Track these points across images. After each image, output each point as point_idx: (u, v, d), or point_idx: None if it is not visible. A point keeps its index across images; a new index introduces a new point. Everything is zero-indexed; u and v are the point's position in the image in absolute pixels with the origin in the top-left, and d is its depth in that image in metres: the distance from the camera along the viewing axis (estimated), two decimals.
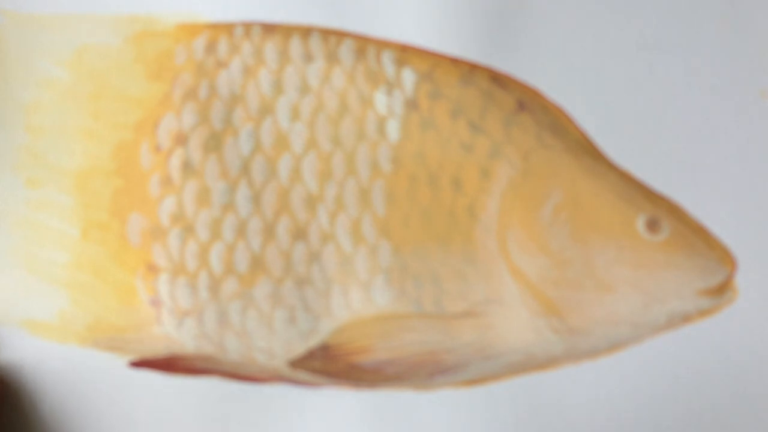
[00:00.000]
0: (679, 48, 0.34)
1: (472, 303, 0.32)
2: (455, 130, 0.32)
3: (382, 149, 0.32)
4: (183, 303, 0.32)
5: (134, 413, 0.33)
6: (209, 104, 0.32)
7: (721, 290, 0.32)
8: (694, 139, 0.33)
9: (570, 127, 0.33)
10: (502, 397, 0.33)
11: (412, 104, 0.32)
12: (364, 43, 0.33)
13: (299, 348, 0.32)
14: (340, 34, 0.33)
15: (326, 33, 0.33)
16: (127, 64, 0.33)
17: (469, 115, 0.32)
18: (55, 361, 0.33)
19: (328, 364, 0.32)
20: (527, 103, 0.33)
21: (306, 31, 0.33)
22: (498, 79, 0.33)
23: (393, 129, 0.32)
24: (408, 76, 0.33)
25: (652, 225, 0.32)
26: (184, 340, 0.32)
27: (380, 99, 0.32)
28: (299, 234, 0.32)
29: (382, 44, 0.33)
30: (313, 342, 0.32)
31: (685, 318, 0.32)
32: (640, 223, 0.32)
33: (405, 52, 0.33)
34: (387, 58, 0.33)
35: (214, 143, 0.32)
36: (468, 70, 0.33)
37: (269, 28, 0.33)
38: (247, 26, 0.33)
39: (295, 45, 0.33)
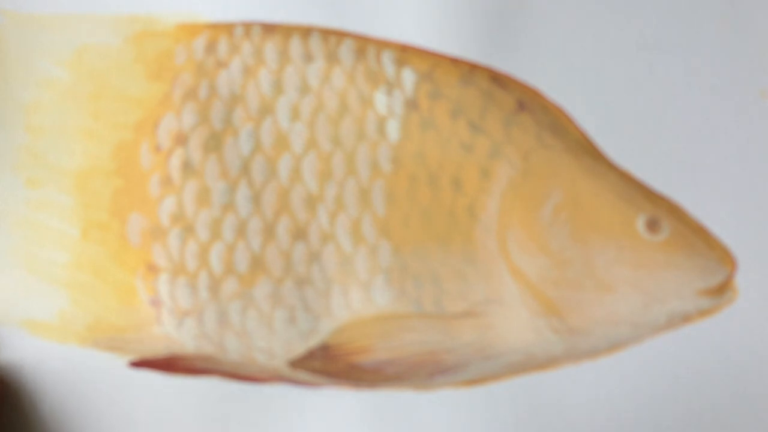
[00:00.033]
0: (679, 48, 0.34)
1: (472, 303, 0.32)
2: (455, 130, 0.32)
3: (382, 149, 0.32)
4: (183, 303, 0.32)
5: (134, 413, 0.33)
6: (209, 104, 0.32)
7: (721, 290, 0.32)
8: (694, 139, 0.33)
9: (570, 127, 0.33)
10: (502, 397, 0.33)
11: (412, 104, 0.32)
12: (364, 43, 0.33)
13: (299, 348, 0.32)
14: (340, 34, 0.33)
15: (326, 33, 0.33)
16: (127, 64, 0.33)
17: (469, 115, 0.32)
18: (55, 361, 0.33)
19: (328, 364, 0.32)
20: (527, 103, 0.33)
21: (306, 31, 0.33)
22: (498, 79, 0.33)
23: (393, 129, 0.32)
24: (408, 76, 0.33)
25: (652, 225, 0.32)
26: (184, 340, 0.32)
27: (380, 99, 0.32)
28: (299, 234, 0.32)
29: (382, 44, 0.33)
30: (313, 342, 0.32)
31: (685, 318, 0.32)
32: (640, 223, 0.32)
33: (405, 52, 0.33)
34: (387, 58, 0.33)
35: (214, 143, 0.32)
36: (468, 70, 0.33)
37: (269, 28, 0.33)
38: (247, 26, 0.33)
39: (295, 45, 0.33)
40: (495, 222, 0.32)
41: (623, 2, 0.34)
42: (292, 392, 0.33)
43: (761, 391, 0.33)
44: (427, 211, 0.32)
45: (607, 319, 0.32)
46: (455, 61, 0.33)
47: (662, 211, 0.32)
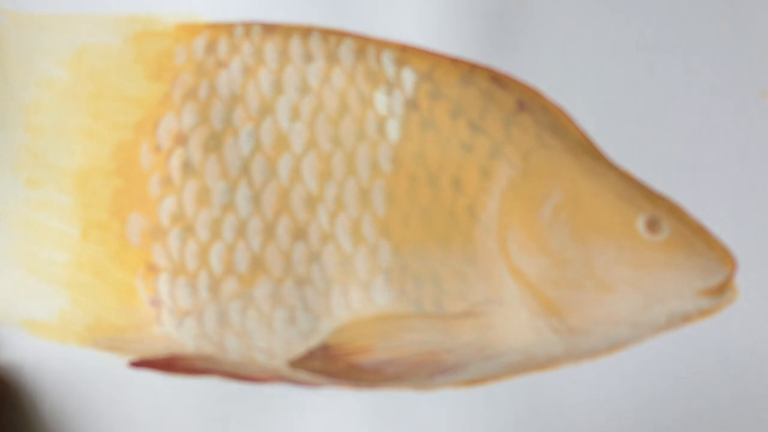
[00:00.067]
0: (679, 48, 0.34)
1: (472, 303, 0.32)
2: (455, 130, 0.32)
3: (382, 149, 0.32)
4: (183, 303, 0.32)
5: (134, 413, 0.33)
6: (209, 104, 0.32)
7: (721, 290, 0.32)
8: (694, 139, 0.33)
9: (570, 127, 0.33)
10: (502, 397, 0.33)
11: (412, 104, 0.32)
12: (364, 43, 0.33)
13: (299, 348, 0.32)
14: (340, 34, 0.33)
15: (326, 33, 0.33)
16: (127, 64, 0.33)
17: (469, 115, 0.32)
18: (55, 361, 0.33)
19: (328, 364, 0.32)
20: (527, 103, 0.33)
21: (306, 31, 0.33)
22: (498, 79, 0.33)
23: (393, 129, 0.32)
24: (408, 76, 0.33)
25: (652, 225, 0.32)
26: (184, 340, 0.32)
27: (380, 99, 0.32)
28: (299, 234, 0.32)
29: (382, 44, 0.33)
30: (313, 342, 0.32)
31: (685, 318, 0.32)
32: (640, 223, 0.32)
33: (405, 52, 0.33)
34: (387, 58, 0.33)
35: (214, 143, 0.32)
36: (468, 70, 0.33)
37: (269, 28, 0.33)
38: (247, 26, 0.33)
39: (295, 45, 0.33)
40: (495, 222, 0.32)
41: (623, 2, 0.34)
42: (292, 392, 0.33)
43: (761, 391, 0.33)
44: (427, 211, 0.32)
45: (607, 319, 0.32)
46: (455, 61, 0.33)
47: (662, 211, 0.32)
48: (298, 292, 0.32)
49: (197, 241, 0.32)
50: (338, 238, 0.32)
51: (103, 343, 0.33)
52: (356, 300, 0.32)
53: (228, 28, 0.33)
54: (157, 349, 0.33)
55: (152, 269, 0.32)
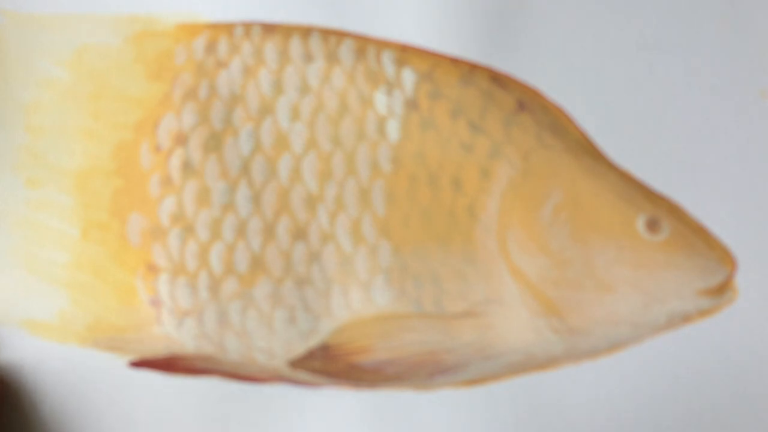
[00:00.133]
0: (679, 48, 0.34)
1: (472, 303, 0.32)
2: (455, 130, 0.32)
3: (382, 149, 0.32)
4: (183, 303, 0.32)
5: (134, 413, 0.33)
6: (209, 104, 0.32)
7: (721, 290, 0.32)
8: (694, 139, 0.33)
9: (570, 127, 0.33)
10: (502, 397, 0.33)
11: (412, 104, 0.32)
12: (364, 43, 0.33)
13: (299, 348, 0.32)
14: (340, 34, 0.33)
15: (326, 33, 0.33)
16: (127, 64, 0.33)
17: (469, 115, 0.32)
18: (55, 361, 0.33)
19: (328, 364, 0.32)
20: (527, 103, 0.33)
21: (306, 31, 0.33)
22: (498, 79, 0.33)
23: (393, 129, 0.32)
24: (408, 76, 0.33)
25: (652, 225, 0.32)
26: (184, 340, 0.32)
27: (380, 99, 0.32)
28: (299, 234, 0.32)
29: (382, 44, 0.33)
30: (313, 342, 0.32)
31: (685, 318, 0.32)
32: (640, 223, 0.32)
33: (405, 52, 0.33)
34: (387, 58, 0.33)
35: (214, 143, 0.32)
36: (468, 70, 0.33)
37: (269, 28, 0.33)
38: (247, 26, 0.33)
39: (295, 45, 0.33)
40: (495, 222, 0.32)
41: (623, 2, 0.34)
42: (292, 392, 0.33)
43: (761, 391, 0.33)
44: (427, 211, 0.32)
45: (607, 319, 0.32)
46: (455, 61, 0.33)
47: (662, 211, 0.32)
48: (298, 292, 0.32)
49: (197, 241, 0.32)
50: (338, 238, 0.32)
51: (103, 343, 0.33)
52: (356, 300, 0.32)
53: (228, 28, 0.33)
54: (157, 349, 0.33)
55: (152, 269, 0.32)
